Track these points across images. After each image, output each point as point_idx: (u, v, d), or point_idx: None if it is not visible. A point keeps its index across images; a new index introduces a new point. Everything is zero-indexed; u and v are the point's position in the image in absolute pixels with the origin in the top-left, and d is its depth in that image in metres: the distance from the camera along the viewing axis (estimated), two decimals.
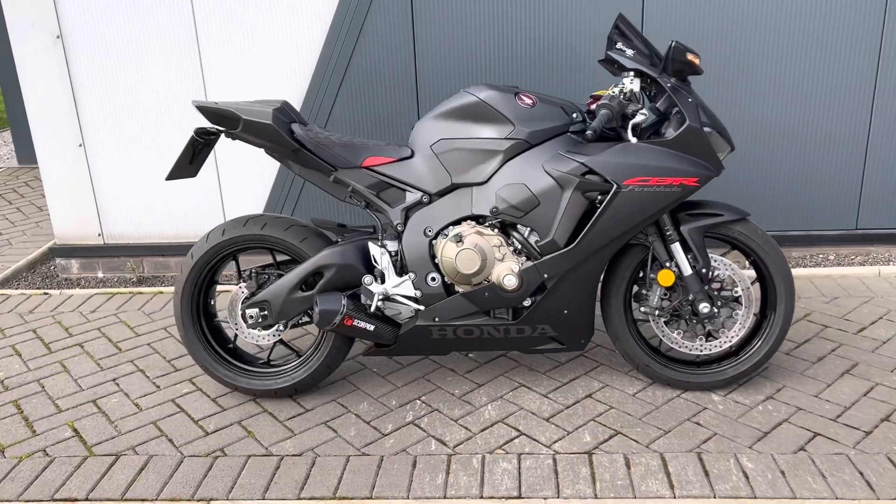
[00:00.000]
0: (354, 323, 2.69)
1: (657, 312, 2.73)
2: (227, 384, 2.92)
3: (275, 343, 2.95)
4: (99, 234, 4.32)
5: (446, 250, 2.62)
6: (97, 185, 4.24)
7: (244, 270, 2.88)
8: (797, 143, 3.91)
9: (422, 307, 2.69)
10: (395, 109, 3.97)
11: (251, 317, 2.79)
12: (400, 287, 2.70)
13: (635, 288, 2.81)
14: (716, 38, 3.76)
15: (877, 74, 3.77)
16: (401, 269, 2.71)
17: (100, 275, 4.40)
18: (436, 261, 2.67)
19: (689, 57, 2.46)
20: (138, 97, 4.06)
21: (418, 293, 2.69)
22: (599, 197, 2.55)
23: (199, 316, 2.90)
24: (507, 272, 2.60)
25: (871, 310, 3.45)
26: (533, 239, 2.63)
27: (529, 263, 2.61)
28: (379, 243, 2.71)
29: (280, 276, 2.84)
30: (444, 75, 3.89)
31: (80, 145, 4.17)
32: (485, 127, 2.61)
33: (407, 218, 2.70)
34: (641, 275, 2.78)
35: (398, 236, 2.71)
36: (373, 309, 2.68)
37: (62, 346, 3.49)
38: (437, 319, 2.71)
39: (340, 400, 2.92)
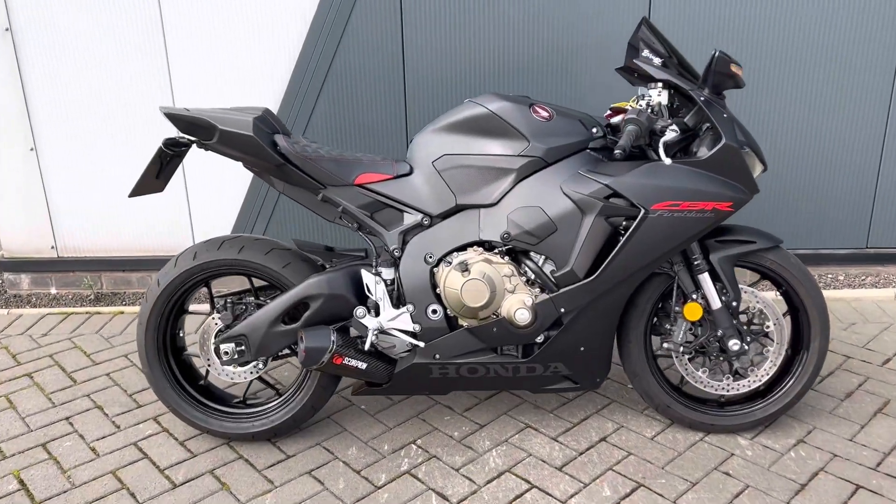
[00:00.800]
0: (345, 361, 2.38)
1: (681, 349, 2.46)
2: (197, 427, 2.59)
3: (252, 380, 2.62)
4: (52, 247, 3.93)
5: (450, 280, 2.32)
6: (50, 193, 3.85)
7: (218, 297, 2.55)
8: (807, 158, 3.69)
9: (421, 343, 2.39)
10: (381, 118, 3.66)
11: (225, 353, 2.46)
12: (396, 320, 2.39)
13: (654, 319, 2.55)
14: (722, 47, 3.52)
15: (892, 89, 3.57)
16: (397, 300, 2.41)
17: (53, 291, 4.01)
18: (437, 291, 2.37)
19: (734, 69, 2.20)
20: (97, 97, 3.69)
21: (417, 327, 2.39)
22: (625, 223, 2.27)
23: (165, 350, 2.56)
24: (518, 306, 2.31)
25: (892, 337, 3.24)
26: (548, 268, 2.34)
27: (544, 296, 2.33)
28: (373, 270, 2.40)
29: (259, 305, 2.51)
30: (436, 82, 3.59)
31: (32, 149, 3.78)
32: (495, 142, 2.31)
33: (405, 242, 2.40)
34: (661, 305, 2.52)
35: (395, 263, 2.40)
36: (367, 346, 2.37)
37: (8, 376, 3.11)
38: (437, 357, 2.41)
39: (326, 443, 2.61)
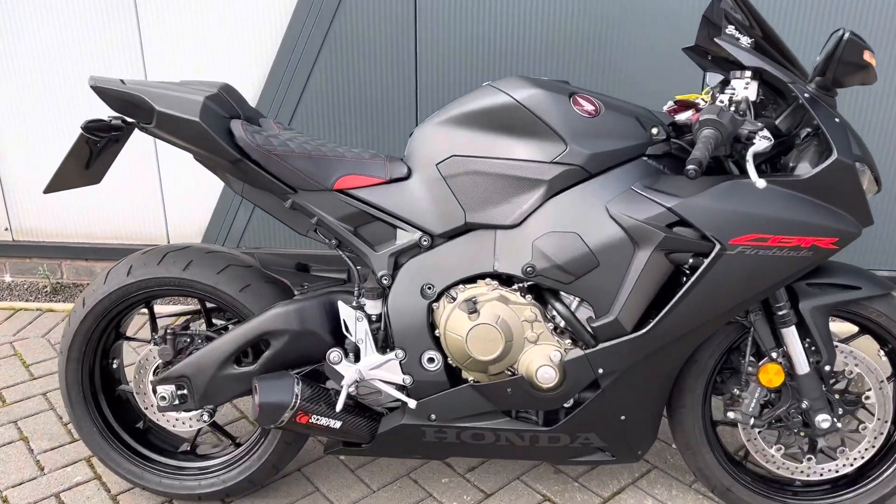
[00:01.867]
0: (312, 420, 1.83)
1: (752, 421, 1.89)
2: (129, 482, 2.07)
3: (200, 430, 2.09)
4: (6, 229, 3.42)
5: (453, 321, 1.76)
6: (4, 168, 3.32)
7: (162, 318, 2.01)
8: None
9: (411, 402, 1.83)
10: (387, 96, 3.07)
11: (163, 398, 1.92)
12: (381, 369, 1.84)
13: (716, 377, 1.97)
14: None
15: None
16: (384, 343, 1.85)
17: (7, 278, 3.51)
18: (436, 333, 1.81)
19: (867, 57, 1.58)
20: (56, 58, 3.13)
21: (408, 379, 1.84)
22: (691, 261, 1.69)
23: (92, 384, 2.04)
24: (542, 362, 1.75)
25: None
26: (584, 315, 1.77)
27: (577, 351, 1.75)
28: (353, 302, 1.84)
29: (210, 338, 1.97)
30: (454, 55, 2.99)
31: None
32: (521, 143, 1.73)
33: (397, 267, 1.83)
34: (727, 358, 1.94)
35: (383, 293, 1.84)
36: (340, 404, 1.81)
37: None
38: (433, 418, 1.86)
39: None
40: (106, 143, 1.91)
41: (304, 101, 3.10)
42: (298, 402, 1.80)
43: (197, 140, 1.76)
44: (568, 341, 1.77)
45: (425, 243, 1.80)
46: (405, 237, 1.82)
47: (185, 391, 1.91)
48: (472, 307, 1.73)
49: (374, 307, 1.84)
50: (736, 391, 1.90)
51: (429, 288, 1.80)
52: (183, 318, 2.10)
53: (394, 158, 1.88)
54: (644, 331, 1.71)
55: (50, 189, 1.88)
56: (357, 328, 1.83)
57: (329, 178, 1.81)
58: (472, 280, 1.79)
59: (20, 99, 3.21)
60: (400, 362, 1.83)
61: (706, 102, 1.78)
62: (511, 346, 1.75)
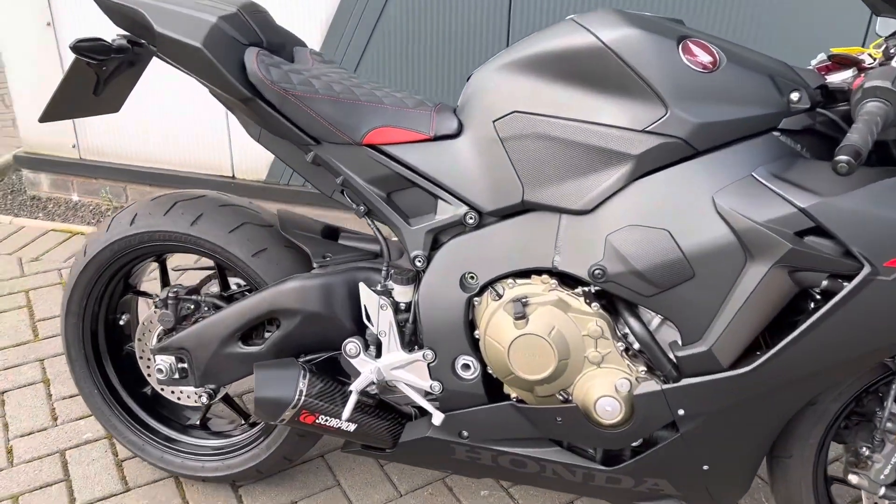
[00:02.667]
0: (320, 421, 1.53)
1: (884, 491, 1.43)
2: (131, 452, 1.85)
3: (208, 406, 1.83)
4: (74, 146, 3.27)
5: (496, 326, 1.38)
6: None
7: (177, 271, 1.75)
8: None
9: (438, 413, 1.49)
10: (475, 33, 2.63)
11: (160, 369, 1.66)
12: (405, 370, 1.50)
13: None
14: None
15: None
16: (411, 338, 1.50)
17: (74, 198, 3.39)
18: (476, 335, 1.44)
19: None
20: None
21: (436, 386, 1.49)
22: (825, 283, 1.22)
23: (95, 341, 1.81)
24: (604, 392, 1.35)
25: None
26: (667, 338, 1.35)
27: (653, 384, 1.34)
28: (378, 285, 1.49)
29: (217, 308, 1.68)
30: None
31: (49, 24, 3.06)
32: (606, 101, 1.29)
33: (435, 247, 1.46)
34: (857, 401, 1.47)
35: (415, 278, 1.48)
36: (348, 410, 1.49)
37: None
38: (465, 435, 1.51)
39: (302, 498, 1.81)
40: (118, 66, 1.61)
41: (375, 41, 2.72)
42: (302, 399, 1.49)
43: (200, 70, 1.42)
44: (641, 368, 1.36)
45: (471, 221, 1.42)
46: (447, 211, 1.44)
47: (186, 365, 1.65)
48: (521, 310, 1.35)
49: (403, 294, 1.48)
50: (864, 450, 1.44)
51: (471, 278, 1.42)
52: (203, 278, 1.82)
53: (445, 108, 1.48)
54: (746, 369, 1.27)
55: (45, 117, 1.61)
56: (380, 318, 1.48)
57: (359, 129, 1.44)
58: (524, 275, 1.40)
59: (92, 15, 2.99)
60: (428, 365, 1.48)
61: (874, 61, 1.27)
62: (566, 366, 1.36)
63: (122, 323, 1.83)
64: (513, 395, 1.46)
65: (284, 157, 1.56)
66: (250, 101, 1.44)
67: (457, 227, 1.44)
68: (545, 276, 1.38)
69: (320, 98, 1.43)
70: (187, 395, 1.76)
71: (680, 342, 1.31)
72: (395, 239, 1.55)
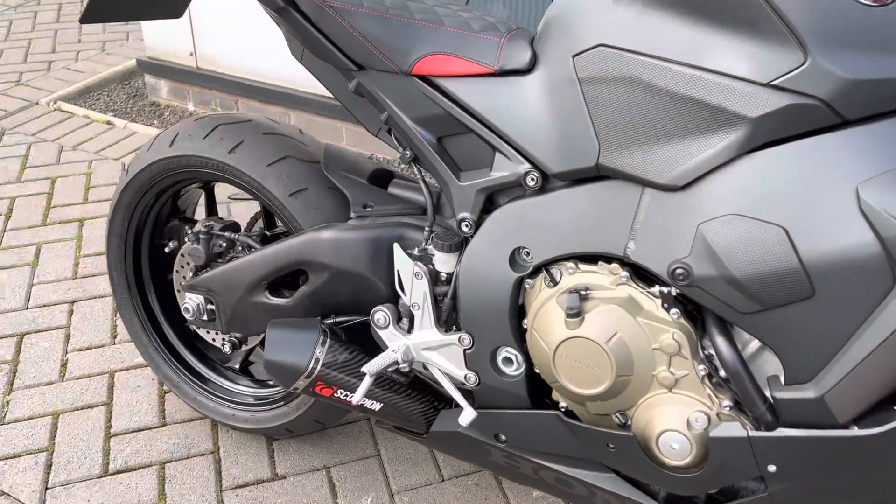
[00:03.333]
0: (338, 394, 1.32)
1: None
2: (168, 386, 1.75)
3: (251, 349, 1.68)
4: (191, 54, 3.20)
5: (544, 319, 1.09)
6: None
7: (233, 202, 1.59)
8: None
9: (470, 410, 1.23)
10: None
11: (187, 309, 1.52)
12: (438, 352, 1.25)
13: None
14: None
15: None
16: (448, 316, 1.24)
17: (190, 107, 3.34)
18: (524, 325, 1.16)
19: None
20: None
21: (471, 378, 1.23)
22: None
23: (138, 268, 1.69)
24: (671, 426, 1.04)
25: None
26: (765, 369, 1.00)
27: (737, 426, 1.01)
28: (418, 248, 1.24)
29: (251, 250, 1.50)
30: None
31: None
32: (722, 40, 0.93)
33: (486, 209, 1.18)
34: None
35: (459, 245, 1.21)
36: (360, 393, 1.27)
37: (57, 217, 2.50)
38: (502, 439, 1.25)
39: (337, 472, 1.64)
40: None
41: None
42: (318, 368, 1.29)
43: None
44: (726, 403, 1.02)
45: (532, 183, 1.12)
46: (504, 167, 1.15)
47: (214, 307, 1.49)
48: (576, 305, 1.05)
49: (444, 262, 1.22)
50: None
51: (525, 254, 1.13)
52: (254, 214, 1.64)
53: (520, 36, 1.17)
54: (874, 432, 0.91)
55: (87, 18, 1.45)
56: (414, 287, 1.23)
57: (408, 56, 1.17)
58: (590, 260, 1.09)
59: None
60: (464, 351, 1.22)
61: None
62: (626, 384, 1.06)
63: (167, 250, 1.70)
64: (562, 403, 1.18)
65: (328, 84, 1.32)
66: (284, 11, 1.19)
67: (515, 189, 1.15)
68: (615, 266, 1.06)
69: (364, 13, 1.17)
70: (217, 340, 1.61)
71: (782, 379, 0.97)
72: (432, 198, 1.27)
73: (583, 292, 1.07)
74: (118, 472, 1.63)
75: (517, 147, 1.12)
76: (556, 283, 1.10)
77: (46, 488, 1.58)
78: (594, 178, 1.07)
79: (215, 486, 1.60)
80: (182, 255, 1.59)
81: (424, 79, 1.17)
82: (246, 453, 1.68)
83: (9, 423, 1.74)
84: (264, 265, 1.37)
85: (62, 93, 3.34)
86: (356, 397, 1.25)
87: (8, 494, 1.57)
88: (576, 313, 1.05)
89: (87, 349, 1.96)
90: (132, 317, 1.70)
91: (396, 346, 1.26)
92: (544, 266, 1.12)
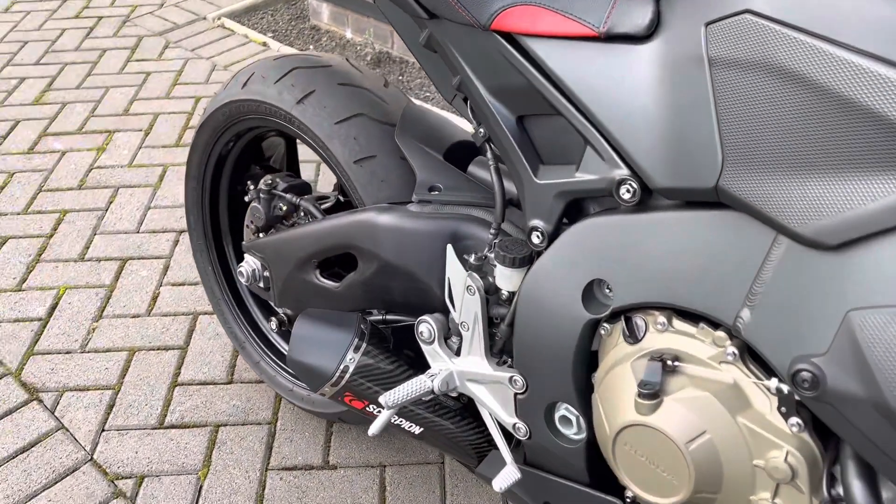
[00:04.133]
0: (370, 409, 1.10)
1: None
2: (232, 343, 1.62)
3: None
4: None
5: (612, 385, 0.80)
6: None
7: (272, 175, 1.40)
8: None
9: (514, 467, 0.97)
10: None
11: (242, 272, 1.36)
12: (486, 388, 0.99)
13: None
14: None
15: None
16: (503, 346, 0.97)
17: (347, 34, 3.19)
18: (593, 379, 0.87)
19: None
20: None
21: (521, 428, 0.96)
22: None
23: (215, 214, 1.55)
24: None
25: None
26: None
27: None
28: (475, 255, 0.97)
29: (310, 218, 1.30)
30: None
31: None
32: None
33: (565, 220, 0.88)
34: None
35: (528, 261, 0.92)
36: (377, 425, 1.04)
37: (189, 139, 2.45)
38: None
39: (392, 473, 1.45)
40: None
41: None
42: (347, 377, 1.07)
43: None
44: None
45: (627, 196, 0.81)
46: (595, 167, 0.84)
47: (267, 274, 1.32)
48: (655, 382, 0.74)
49: (506, 278, 0.94)
50: None
51: (607, 290, 0.83)
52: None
53: None
54: None
55: None
56: (465, 303, 0.97)
57: (488, 4, 0.88)
58: (690, 317, 0.77)
59: None
60: (515, 395, 0.95)
61: None
62: (715, 491, 0.75)
63: (247, 199, 1.55)
64: (628, 491, 0.89)
65: (402, 33, 1.06)
66: None
67: (606, 200, 0.85)
68: (722, 335, 0.74)
69: None
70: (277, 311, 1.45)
71: None
72: (500, 194, 0.98)
73: (670, 362, 0.76)
74: (172, 426, 1.54)
75: (615, 144, 0.81)
76: (636, 341, 0.80)
77: (102, 430, 1.53)
78: (712, 205, 0.74)
79: (262, 463, 1.47)
80: (251, 208, 1.43)
81: (507, 36, 0.88)
82: (302, 433, 1.53)
83: (88, 352, 1.71)
84: (314, 242, 1.17)
85: (228, 9, 3.31)
86: (372, 429, 1.03)
87: (66, 429, 1.53)
88: (652, 393, 0.75)
89: (180, 284, 1.89)
90: (206, 265, 1.58)
91: (437, 369, 1.02)
92: (626, 312, 0.82)
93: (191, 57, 2.94)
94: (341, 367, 1.07)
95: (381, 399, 0.97)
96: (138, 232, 2.06)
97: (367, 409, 1.11)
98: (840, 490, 0.69)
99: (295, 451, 1.50)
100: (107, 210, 2.14)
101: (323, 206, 1.33)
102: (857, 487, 0.65)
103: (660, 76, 0.77)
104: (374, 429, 1.03)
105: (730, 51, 0.70)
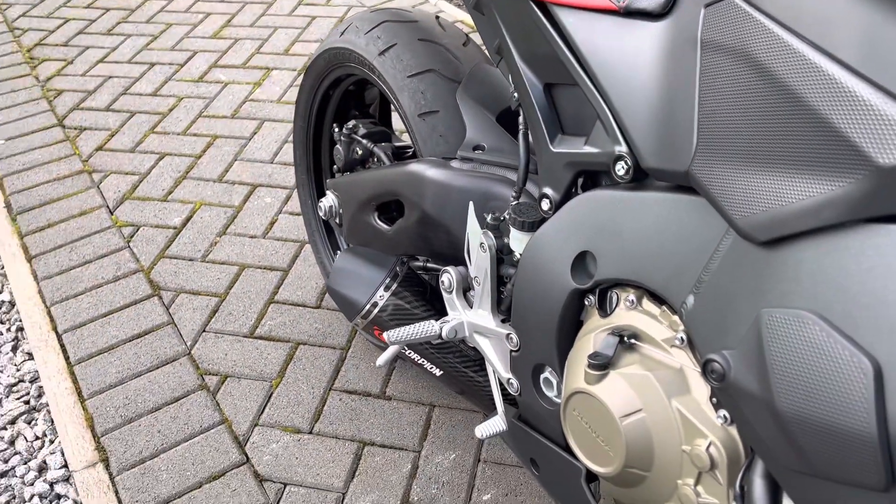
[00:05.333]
0: (400, 348, 1.19)
1: None
2: (321, 274, 1.76)
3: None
4: None
5: (578, 352, 0.83)
6: None
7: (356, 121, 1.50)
8: None
9: (501, 419, 1.02)
10: None
11: (321, 207, 1.47)
12: (489, 341, 1.04)
13: None
14: None
15: None
16: (509, 304, 1.01)
17: None
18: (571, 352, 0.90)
19: None
20: None
21: (514, 384, 1.01)
22: None
23: (318, 152, 1.69)
24: None
25: None
26: None
27: None
28: (492, 215, 1.01)
29: (380, 163, 1.38)
30: None
31: None
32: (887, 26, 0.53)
33: (572, 190, 0.90)
34: None
35: (536, 226, 0.95)
36: (386, 355, 1.11)
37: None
38: (536, 468, 1.02)
39: (439, 414, 1.54)
40: None
41: None
42: (375, 312, 1.16)
43: None
44: None
45: (621, 171, 0.82)
46: (600, 141, 0.85)
47: (342, 212, 1.43)
48: (607, 355, 0.76)
49: (518, 241, 0.98)
50: None
51: (591, 261, 0.85)
52: None
53: None
54: None
55: None
56: (478, 259, 1.02)
57: None
58: (658, 298, 0.78)
59: None
60: (511, 352, 0.99)
61: None
62: (639, 480, 0.76)
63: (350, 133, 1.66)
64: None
65: None
66: None
67: (602, 175, 0.86)
68: (677, 319, 0.75)
69: None
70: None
71: None
72: (524, 156, 1.01)
73: (627, 339, 0.78)
74: (260, 337, 1.72)
75: (618, 119, 0.82)
76: (606, 315, 0.82)
77: (203, 331, 1.75)
78: (688, 190, 0.74)
79: (327, 383, 1.61)
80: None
81: (541, 5, 0.90)
82: (368, 363, 1.65)
83: (206, 262, 1.93)
84: (373, 186, 1.26)
85: None
86: (379, 360, 1.11)
87: (175, 325, 1.76)
88: (600, 364, 0.77)
89: (296, 214, 2.07)
90: (306, 198, 1.73)
91: (451, 317, 1.08)
92: (608, 287, 0.83)
93: (355, 5, 3.10)
94: (371, 302, 1.17)
95: (386, 335, 1.05)
96: (272, 162, 2.27)
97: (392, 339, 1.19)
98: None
99: (358, 378, 1.63)
100: (250, 139, 2.36)
101: (405, 156, 1.41)
102: (758, 486, 0.65)
103: (663, 55, 0.77)
104: (381, 360, 1.12)
105: (716, 34, 0.69)
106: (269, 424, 1.53)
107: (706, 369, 0.64)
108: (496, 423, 1.02)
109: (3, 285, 1.93)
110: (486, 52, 1.98)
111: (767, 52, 0.61)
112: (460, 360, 1.16)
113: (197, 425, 1.53)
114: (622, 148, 0.81)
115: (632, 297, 0.80)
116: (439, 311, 1.18)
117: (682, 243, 0.72)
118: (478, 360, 1.17)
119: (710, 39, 0.69)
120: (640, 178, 0.81)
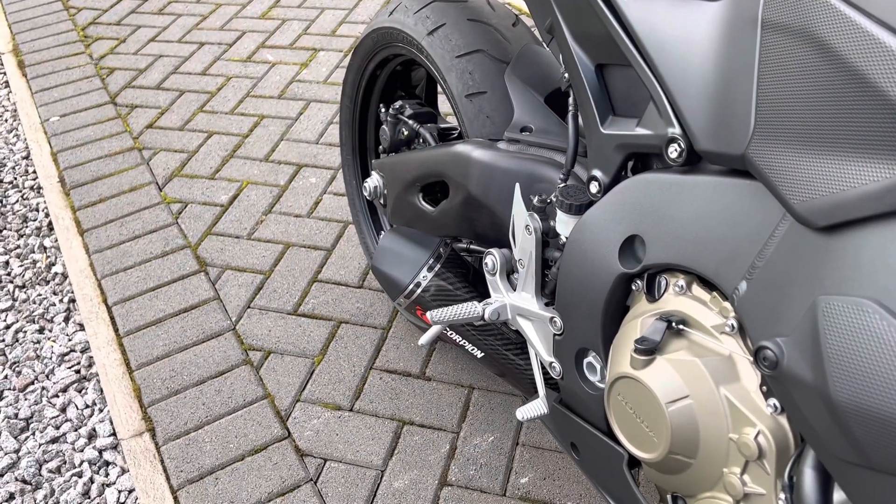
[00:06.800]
0: (442, 328, 1.19)
1: None
2: (364, 253, 1.77)
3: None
4: None
5: (624, 337, 0.82)
6: None
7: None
8: None
9: (542, 402, 1.02)
10: None
11: (365, 186, 1.48)
12: (532, 325, 1.03)
13: None
14: None
15: None
16: (553, 287, 1.01)
17: None
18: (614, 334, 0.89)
19: None
20: None
21: (557, 368, 1.00)
22: None
23: (363, 132, 1.69)
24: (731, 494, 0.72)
25: None
26: None
27: None
28: (538, 197, 1.00)
29: (426, 144, 1.38)
30: None
31: None
32: None
33: (622, 172, 0.89)
34: None
35: (583, 209, 0.94)
36: (428, 336, 1.11)
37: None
38: (576, 453, 1.02)
39: (478, 396, 1.54)
40: None
41: None
42: (417, 293, 1.17)
43: None
44: None
45: (674, 154, 0.80)
46: (653, 123, 0.84)
47: (386, 192, 1.43)
48: (655, 341, 0.75)
49: (564, 224, 0.97)
50: None
51: (640, 246, 0.84)
52: None
53: None
54: None
55: None
56: (523, 241, 1.02)
57: None
58: (708, 284, 0.77)
59: None
60: (554, 336, 0.99)
61: None
62: (685, 466, 0.75)
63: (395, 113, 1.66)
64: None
65: None
66: None
67: (654, 157, 0.85)
68: (728, 305, 0.73)
69: None
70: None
71: None
72: (572, 139, 0.99)
73: (675, 324, 0.76)
74: (304, 315, 1.74)
75: (672, 101, 0.80)
76: (654, 300, 0.81)
77: (248, 307, 1.77)
78: (743, 174, 0.72)
79: (368, 362, 1.63)
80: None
81: None
82: (408, 343, 1.66)
83: (252, 240, 1.96)
84: (418, 167, 1.26)
85: None
86: (422, 339, 1.12)
87: (220, 301, 1.79)
88: (647, 350, 0.76)
89: (341, 195, 2.08)
90: (351, 178, 1.74)
91: (494, 299, 1.07)
92: (658, 271, 0.82)
93: None
94: (414, 282, 1.17)
95: (429, 314, 1.05)
96: (317, 143, 2.28)
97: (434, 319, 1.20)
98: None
99: (398, 357, 1.64)
100: (296, 120, 2.38)
101: (450, 137, 1.41)
102: (809, 476, 0.63)
103: (721, 35, 0.75)
104: (423, 339, 1.12)
105: (778, 13, 0.67)
106: (310, 401, 1.55)
107: (758, 357, 0.63)
108: (537, 406, 1.02)
109: (56, 258, 1.99)
110: (536, 33, 1.95)
111: (833, 31, 0.60)
112: (502, 343, 1.16)
113: (240, 399, 1.56)
114: (675, 130, 0.80)
115: (681, 282, 0.78)
116: (482, 294, 1.18)
117: (736, 228, 0.71)
118: (519, 343, 1.17)
119: (772, 19, 0.67)
120: (692, 161, 0.79)
